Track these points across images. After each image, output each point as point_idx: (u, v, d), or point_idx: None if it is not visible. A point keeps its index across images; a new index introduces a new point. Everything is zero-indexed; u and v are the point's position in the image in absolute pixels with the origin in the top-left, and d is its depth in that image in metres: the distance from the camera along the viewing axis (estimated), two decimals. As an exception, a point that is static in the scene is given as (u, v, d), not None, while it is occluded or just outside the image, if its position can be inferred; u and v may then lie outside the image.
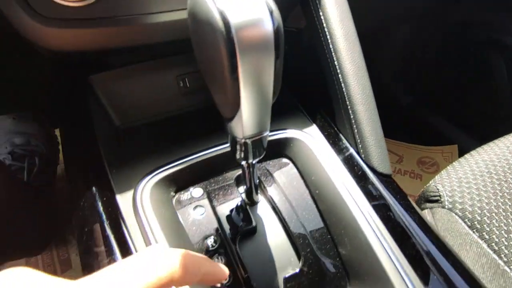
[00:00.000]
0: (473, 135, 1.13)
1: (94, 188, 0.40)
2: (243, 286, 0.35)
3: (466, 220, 0.50)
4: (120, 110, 0.50)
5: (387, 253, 0.34)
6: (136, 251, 0.35)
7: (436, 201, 0.55)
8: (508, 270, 0.45)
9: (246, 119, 0.28)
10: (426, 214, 0.56)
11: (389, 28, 1.08)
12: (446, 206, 0.53)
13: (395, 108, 1.25)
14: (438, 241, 0.36)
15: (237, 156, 0.33)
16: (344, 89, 0.43)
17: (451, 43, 1.06)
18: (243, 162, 0.34)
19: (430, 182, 0.58)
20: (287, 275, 0.36)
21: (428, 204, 0.56)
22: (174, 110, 0.50)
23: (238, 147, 0.31)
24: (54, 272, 0.92)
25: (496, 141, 0.62)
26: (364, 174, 0.41)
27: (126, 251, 0.35)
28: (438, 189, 0.55)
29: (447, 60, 1.10)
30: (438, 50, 1.11)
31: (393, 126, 1.28)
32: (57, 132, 1.01)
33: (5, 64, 0.61)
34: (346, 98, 0.43)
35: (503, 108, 1.01)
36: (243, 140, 0.30)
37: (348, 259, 0.37)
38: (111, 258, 0.35)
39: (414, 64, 1.19)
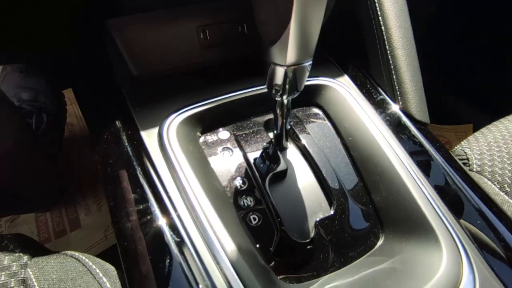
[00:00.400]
0: (489, 114, 1.10)
1: (117, 123, 0.39)
2: (273, 227, 0.34)
3: (496, 182, 0.49)
4: (138, 60, 0.47)
5: (427, 199, 0.33)
6: (161, 181, 0.34)
7: (464, 164, 0.53)
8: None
9: (293, 40, 0.26)
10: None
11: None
12: (475, 169, 0.51)
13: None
14: (479, 189, 0.35)
15: (273, 91, 0.31)
16: (384, 32, 0.40)
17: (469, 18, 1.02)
18: (278, 98, 0.32)
19: (457, 146, 0.57)
20: (318, 219, 0.34)
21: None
22: (193, 64, 0.48)
23: (277, 77, 0.29)
24: (63, 230, 0.92)
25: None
26: (400, 121, 0.39)
27: (151, 182, 0.34)
28: (465, 152, 0.54)
29: (463, 36, 1.06)
30: (458, 24, 1.07)
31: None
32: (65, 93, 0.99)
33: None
34: (386, 41, 0.41)
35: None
36: (284, 68, 0.28)
37: (382, 206, 0.35)
38: (135, 187, 0.33)
39: (433, 40, 1.15)
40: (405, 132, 0.39)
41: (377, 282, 0.29)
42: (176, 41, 0.48)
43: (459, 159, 0.54)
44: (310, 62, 0.29)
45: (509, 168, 0.50)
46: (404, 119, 0.40)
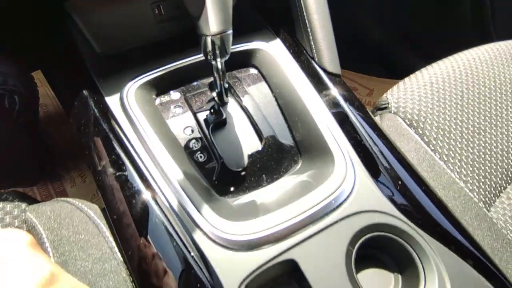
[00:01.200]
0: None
1: (85, 92, 0.48)
2: (215, 161, 0.44)
3: (406, 120, 0.61)
4: (99, 38, 0.54)
5: (330, 131, 0.44)
6: (126, 136, 0.43)
7: (385, 108, 0.65)
8: (440, 161, 0.56)
9: (212, 14, 0.35)
10: (376, 120, 0.67)
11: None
12: (392, 111, 0.63)
13: (367, 44, 1.32)
14: (368, 119, 0.46)
15: (208, 56, 0.40)
16: (302, 2, 0.50)
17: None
18: (213, 62, 0.42)
19: (384, 94, 0.68)
20: (250, 152, 0.45)
21: (378, 112, 0.66)
22: (151, 37, 0.55)
23: (207, 46, 0.38)
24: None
25: (442, 60, 0.71)
26: (316, 73, 0.50)
27: (116, 135, 0.43)
28: (387, 98, 0.65)
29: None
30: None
31: (366, 62, 1.36)
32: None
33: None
34: (304, 9, 0.50)
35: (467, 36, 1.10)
36: (210, 38, 0.37)
37: (300, 139, 0.47)
38: (106, 144, 0.43)
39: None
40: (320, 81, 0.49)
41: (292, 190, 0.41)
42: (133, 18, 0.56)
43: (382, 104, 0.66)
44: (231, 31, 0.38)
45: (417, 108, 0.62)
46: (319, 71, 0.50)
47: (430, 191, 0.42)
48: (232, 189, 0.43)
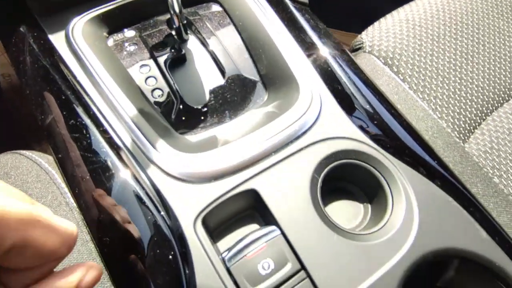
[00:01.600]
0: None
1: (22, 28, 0.43)
2: (173, 98, 0.41)
3: (381, 58, 0.59)
4: None
5: (296, 60, 0.41)
6: (72, 74, 0.39)
7: (360, 48, 0.62)
8: (415, 96, 0.54)
9: None
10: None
11: None
12: (367, 50, 0.60)
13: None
14: (347, 57, 0.43)
15: None
16: None
17: None
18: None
19: (358, 36, 0.65)
20: (212, 89, 0.42)
21: (353, 53, 0.63)
22: None
23: None
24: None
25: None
26: (281, 2, 0.46)
27: (61, 73, 0.39)
28: (362, 38, 0.62)
29: None
30: None
31: (345, 17, 1.31)
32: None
33: None
34: None
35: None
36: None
37: (265, 73, 0.44)
38: (47, 75, 0.39)
39: None
40: (285, 11, 0.46)
41: (255, 121, 0.39)
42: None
43: (357, 44, 0.63)
44: None
45: (392, 45, 0.59)
46: (286, 1, 0.46)
47: (401, 119, 0.40)
48: (192, 126, 0.40)
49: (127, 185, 0.33)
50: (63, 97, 0.38)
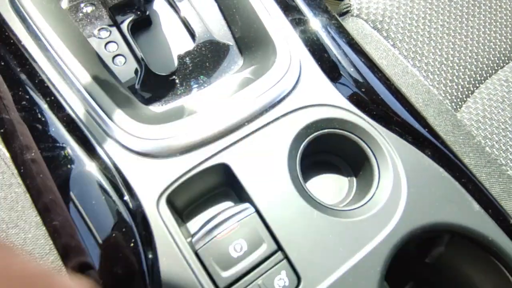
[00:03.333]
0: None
1: None
2: (137, 65, 0.37)
3: (370, 22, 0.54)
4: None
5: (273, 22, 0.37)
6: (18, 41, 0.35)
7: (347, 12, 0.58)
8: (406, 62, 0.51)
9: None
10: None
11: None
12: (354, 14, 0.56)
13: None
14: (331, 17, 0.39)
15: None
16: None
17: None
18: None
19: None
20: (180, 53, 0.38)
21: (340, 18, 0.59)
22: None
23: None
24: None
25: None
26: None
27: (6, 41, 0.34)
28: (349, 0, 0.58)
29: None
30: None
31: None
32: None
33: None
34: None
35: None
36: None
37: (240, 36, 0.39)
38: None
39: None
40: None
41: (228, 89, 0.35)
42: None
43: (344, 8, 0.59)
44: None
45: (382, 7, 0.55)
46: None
47: (390, 84, 0.36)
48: (159, 96, 0.36)
49: (80, 163, 0.29)
50: (5, 65, 0.33)
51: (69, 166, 0.29)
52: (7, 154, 0.35)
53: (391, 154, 0.32)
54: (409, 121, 0.34)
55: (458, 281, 0.35)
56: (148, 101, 0.36)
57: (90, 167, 0.29)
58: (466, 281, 0.35)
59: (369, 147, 0.33)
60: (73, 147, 0.30)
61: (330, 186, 0.36)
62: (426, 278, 0.38)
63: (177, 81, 0.37)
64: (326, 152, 0.36)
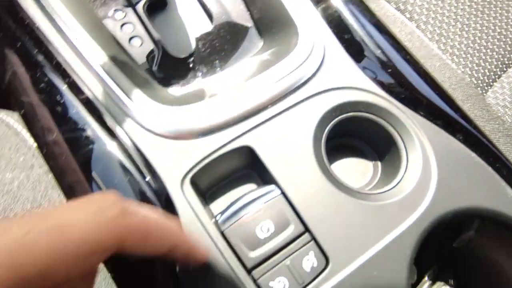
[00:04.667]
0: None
1: None
2: (154, 48, 0.37)
3: (392, 3, 0.54)
4: None
5: (293, 1, 0.37)
6: (33, 23, 0.35)
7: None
8: (431, 45, 0.50)
9: None
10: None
11: None
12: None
13: None
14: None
15: None
16: None
17: None
18: None
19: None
20: (198, 35, 0.38)
21: None
22: None
23: None
24: None
25: None
26: None
27: (21, 23, 0.35)
28: (370, -19, 0.57)
29: None
30: None
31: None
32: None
33: None
34: None
35: None
36: None
37: (259, 17, 0.39)
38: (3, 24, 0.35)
39: None
40: None
41: (248, 71, 0.35)
42: None
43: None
44: None
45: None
46: None
47: (418, 66, 0.36)
48: (177, 78, 0.37)
49: (102, 145, 0.30)
50: (21, 47, 0.34)
51: (90, 146, 0.30)
52: (27, 136, 0.35)
53: (420, 138, 0.32)
54: (439, 105, 0.34)
55: (484, 268, 0.35)
56: (166, 84, 0.36)
57: (111, 147, 0.30)
58: (493, 268, 0.35)
59: (396, 131, 0.33)
60: (93, 128, 0.30)
61: (353, 170, 0.36)
62: (450, 264, 0.38)
63: (195, 63, 0.37)
64: (350, 136, 0.36)
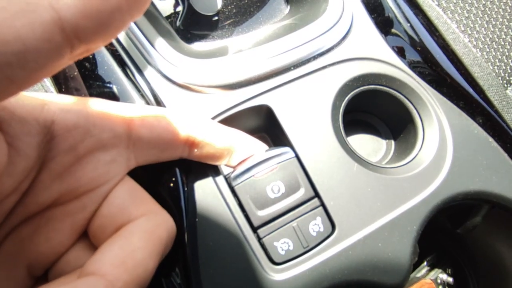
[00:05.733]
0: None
1: None
2: (180, 4, 0.37)
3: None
4: None
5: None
6: None
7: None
8: (458, 31, 0.49)
9: None
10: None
11: None
12: (405, -22, 0.54)
13: None
14: None
15: None
16: None
17: None
18: None
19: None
20: (226, -6, 0.37)
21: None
22: None
23: None
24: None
25: None
26: None
27: None
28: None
29: None
30: None
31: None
32: None
33: None
34: None
35: None
36: None
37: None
38: None
39: None
40: None
41: (273, 32, 0.34)
42: None
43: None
44: None
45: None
46: None
47: (446, 45, 0.36)
48: (201, 35, 0.36)
49: (123, 91, 0.30)
50: None
51: (110, 93, 0.30)
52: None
53: (439, 117, 0.31)
54: (463, 86, 0.33)
55: (487, 256, 0.36)
56: (189, 40, 0.36)
57: (133, 95, 0.29)
58: (495, 257, 0.35)
59: (415, 108, 0.33)
60: (115, 73, 0.30)
61: (366, 146, 0.36)
62: (451, 251, 0.38)
63: (220, 22, 0.37)
64: (365, 111, 0.36)
